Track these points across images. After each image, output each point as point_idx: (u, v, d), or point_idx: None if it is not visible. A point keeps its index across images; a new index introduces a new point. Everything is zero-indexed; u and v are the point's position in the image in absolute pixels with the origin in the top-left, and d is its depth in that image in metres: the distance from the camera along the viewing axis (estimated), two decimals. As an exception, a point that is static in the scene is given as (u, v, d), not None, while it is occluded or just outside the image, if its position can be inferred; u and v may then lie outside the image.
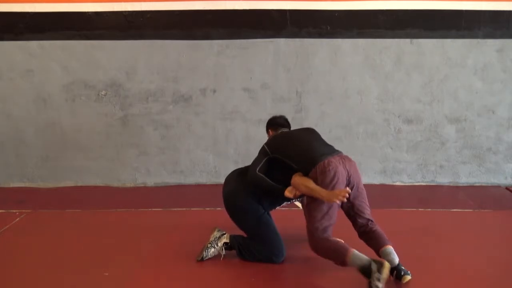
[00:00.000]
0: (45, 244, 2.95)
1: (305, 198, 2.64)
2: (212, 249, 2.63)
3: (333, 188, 2.30)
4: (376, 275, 2.06)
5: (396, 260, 2.31)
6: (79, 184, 4.48)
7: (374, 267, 2.09)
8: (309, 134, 2.72)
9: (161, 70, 4.29)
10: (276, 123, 2.95)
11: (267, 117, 4.28)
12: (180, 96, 4.34)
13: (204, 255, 2.62)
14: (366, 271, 2.12)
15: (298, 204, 2.99)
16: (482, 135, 4.35)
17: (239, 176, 2.72)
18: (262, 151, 2.65)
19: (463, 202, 3.87)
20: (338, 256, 2.22)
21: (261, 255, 2.59)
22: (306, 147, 2.53)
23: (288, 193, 2.47)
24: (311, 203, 2.40)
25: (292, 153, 2.52)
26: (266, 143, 2.70)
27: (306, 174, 2.44)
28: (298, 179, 2.42)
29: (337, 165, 2.36)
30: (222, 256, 2.64)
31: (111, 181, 4.49)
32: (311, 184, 2.34)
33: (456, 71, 4.25)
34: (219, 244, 2.63)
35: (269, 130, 2.95)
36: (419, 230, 3.02)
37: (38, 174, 4.48)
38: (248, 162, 2.90)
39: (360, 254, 2.19)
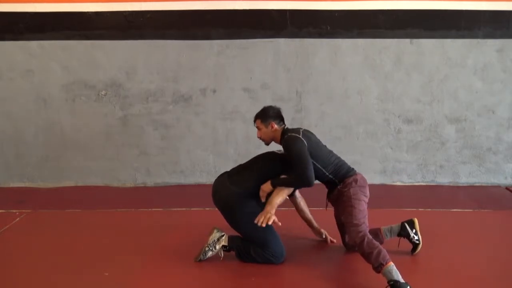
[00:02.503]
0: (45, 244, 2.95)
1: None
2: (210, 252, 2.62)
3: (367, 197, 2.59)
4: None
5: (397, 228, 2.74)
6: (79, 184, 4.48)
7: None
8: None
9: (161, 70, 4.29)
10: (281, 117, 2.73)
11: (267, 117, 4.34)
12: (180, 96, 4.34)
13: (202, 258, 2.62)
14: (400, 286, 2.18)
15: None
16: (482, 135, 4.35)
17: (231, 178, 2.65)
18: (304, 149, 2.47)
19: (463, 202, 3.87)
20: (379, 258, 2.26)
21: (261, 258, 2.58)
22: (339, 159, 2.68)
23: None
24: (354, 204, 2.49)
25: (327, 160, 2.59)
26: (303, 138, 2.51)
27: (335, 181, 2.61)
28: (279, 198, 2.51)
29: None
30: (221, 257, 2.63)
31: (111, 181, 4.49)
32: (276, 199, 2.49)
33: (456, 71, 4.25)
34: (217, 247, 2.61)
35: (272, 123, 2.67)
36: (419, 230, 3.01)
37: (38, 174, 4.48)
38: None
39: (397, 270, 2.25)
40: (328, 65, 4.26)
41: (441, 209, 3.62)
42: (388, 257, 2.27)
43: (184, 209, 3.69)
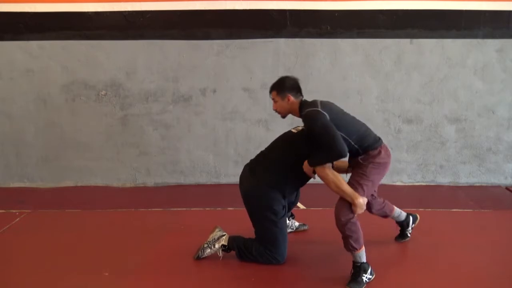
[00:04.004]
0: (45, 244, 2.95)
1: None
2: (208, 250, 2.62)
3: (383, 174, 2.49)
4: (368, 276, 2.37)
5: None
6: (79, 184, 4.48)
7: (370, 269, 2.39)
8: None
9: (161, 70, 4.29)
10: (299, 88, 2.56)
11: (267, 117, 4.35)
12: (180, 96, 4.34)
13: (200, 255, 2.62)
14: (364, 267, 2.36)
15: (301, 205, 2.98)
16: (482, 135, 4.35)
17: (253, 170, 2.60)
18: (326, 121, 2.31)
19: (463, 202, 3.87)
20: (355, 243, 2.35)
21: (262, 258, 2.57)
22: (365, 126, 2.50)
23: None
24: (362, 181, 2.41)
25: (352, 127, 2.42)
26: (322, 110, 2.34)
27: (359, 151, 2.43)
28: (331, 176, 2.38)
29: None
30: (221, 257, 2.63)
31: (111, 181, 4.49)
32: (344, 186, 2.35)
33: (456, 71, 4.25)
34: (216, 246, 2.61)
35: (288, 95, 2.53)
36: (419, 230, 3.01)
37: (38, 174, 4.48)
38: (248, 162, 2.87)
39: (364, 253, 2.40)
40: (328, 65, 4.26)
41: (441, 209, 3.62)
42: (362, 241, 2.36)
43: (184, 209, 3.68)
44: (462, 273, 2.50)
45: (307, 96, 4.27)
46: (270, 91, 2.62)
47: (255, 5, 4.13)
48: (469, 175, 4.44)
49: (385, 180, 4.34)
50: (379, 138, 2.51)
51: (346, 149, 2.31)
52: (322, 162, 2.39)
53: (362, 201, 2.34)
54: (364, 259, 2.37)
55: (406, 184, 4.45)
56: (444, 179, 4.44)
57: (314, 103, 2.46)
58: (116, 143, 4.44)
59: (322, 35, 4.19)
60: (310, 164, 2.41)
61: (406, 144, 4.40)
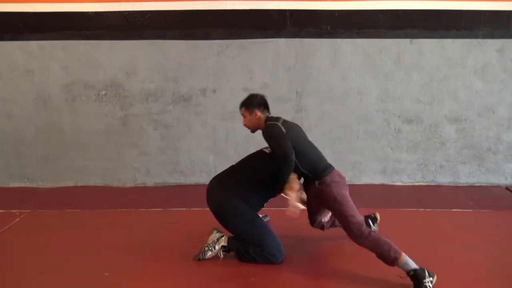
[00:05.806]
0: (45, 244, 2.95)
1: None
2: (210, 252, 2.63)
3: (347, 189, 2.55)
4: (429, 279, 2.22)
5: None
6: (79, 184, 4.48)
7: (427, 272, 2.24)
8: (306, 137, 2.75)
9: (161, 70, 4.29)
10: (266, 105, 2.75)
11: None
12: (180, 96, 4.34)
13: (201, 257, 2.64)
14: (419, 274, 2.24)
15: (300, 206, 2.97)
16: (482, 135, 4.35)
17: (222, 183, 2.70)
18: (281, 133, 2.49)
19: (463, 202, 3.87)
20: (391, 253, 2.27)
21: (260, 257, 2.58)
22: (318, 154, 2.64)
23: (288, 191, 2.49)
24: (342, 201, 2.45)
25: (304, 154, 2.54)
26: (281, 126, 2.53)
27: (308, 176, 2.58)
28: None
29: None
30: (221, 257, 2.64)
31: (111, 181, 4.49)
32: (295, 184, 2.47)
33: (456, 71, 4.25)
34: (216, 247, 2.63)
35: (255, 111, 2.70)
36: (419, 230, 3.02)
37: (38, 174, 4.48)
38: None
39: (410, 258, 2.29)
40: (328, 65, 4.26)
41: (441, 209, 3.62)
42: (398, 249, 2.28)
43: (184, 209, 3.69)
44: (462, 273, 2.50)
45: (307, 96, 4.31)
46: (240, 108, 2.79)
47: (255, 5, 4.13)
48: (469, 175, 4.44)
49: (385, 180, 4.40)
50: (330, 165, 2.63)
51: (292, 152, 2.42)
52: (285, 175, 2.46)
53: (293, 194, 2.42)
54: (413, 265, 2.26)
55: (406, 184, 4.44)
56: (444, 179, 4.44)
57: (276, 118, 2.64)
58: (116, 143, 4.44)
59: (322, 35, 4.20)
60: (282, 185, 2.49)
61: (406, 144, 4.40)
